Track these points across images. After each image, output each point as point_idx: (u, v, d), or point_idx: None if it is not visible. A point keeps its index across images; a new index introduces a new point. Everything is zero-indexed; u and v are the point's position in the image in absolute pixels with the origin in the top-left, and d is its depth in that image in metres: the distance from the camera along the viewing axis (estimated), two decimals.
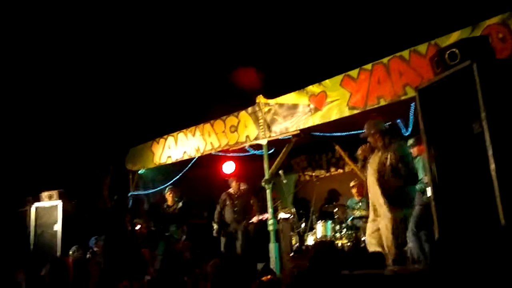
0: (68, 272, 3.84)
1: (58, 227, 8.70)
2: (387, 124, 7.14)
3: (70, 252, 7.20)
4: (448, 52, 3.88)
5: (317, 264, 3.71)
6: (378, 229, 5.68)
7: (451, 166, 3.94)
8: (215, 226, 8.55)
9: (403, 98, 5.76)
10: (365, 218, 7.38)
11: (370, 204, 5.85)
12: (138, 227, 9.42)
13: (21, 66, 9.72)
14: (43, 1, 8.99)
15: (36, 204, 9.09)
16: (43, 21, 9.29)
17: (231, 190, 8.71)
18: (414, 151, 6.63)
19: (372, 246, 5.72)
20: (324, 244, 4.02)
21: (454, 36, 5.20)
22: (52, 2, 9.02)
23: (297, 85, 7.09)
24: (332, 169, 9.55)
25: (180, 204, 8.74)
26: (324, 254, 3.84)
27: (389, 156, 5.57)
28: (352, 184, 8.00)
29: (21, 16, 9.08)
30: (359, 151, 6.00)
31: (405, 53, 5.76)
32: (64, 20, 9.43)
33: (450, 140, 3.90)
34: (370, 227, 5.86)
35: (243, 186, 8.69)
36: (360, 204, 7.78)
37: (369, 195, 5.85)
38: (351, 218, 7.64)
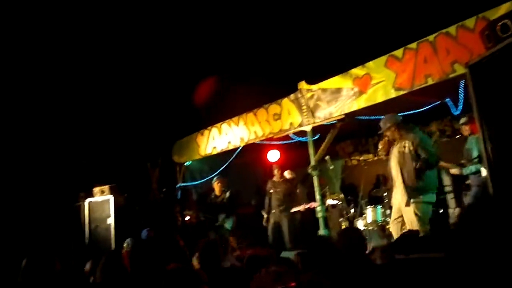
0: (123, 266, 3.93)
1: (111, 221, 8.93)
2: (436, 103, 7.00)
3: (125, 245, 7.36)
4: (499, 24, 3.68)
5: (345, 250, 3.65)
6: (401, 216, 5.85)
7: (507, 145, 3.76)
8: (265, 215, 8.61)
9: (451, 76, 5.52)
10: None
11: (394, 194, 6.03)
12: (187, 218, 9.58)
13: (73, 63, 9.97)
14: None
15: (89, 199, 9.35)
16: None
17: (274, 178, 8.75)
18: (466, 129, 6.43)
19: (394, 233, 5.95)
20: (349, 231, 3.93)
21: (504, 8, 4.92)
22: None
23: (340, 69, 6.95)
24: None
25: (228, 194, 8.80)
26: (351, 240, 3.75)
27: (407, 144, 5.78)
28: None
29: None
30: (380, 147, 6.27)
31: (452, 29, 5.51)
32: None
33: (505, 118, 3.71)
34: (394, 215, 6.03)
35: (289, 175, 8.68)
36: None
37: (394, 188, 6.02)
38: None
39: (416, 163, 5.64)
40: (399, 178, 5.82)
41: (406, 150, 5.77)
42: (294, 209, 8.44)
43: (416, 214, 5.64)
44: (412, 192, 5.67)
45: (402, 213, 5.82)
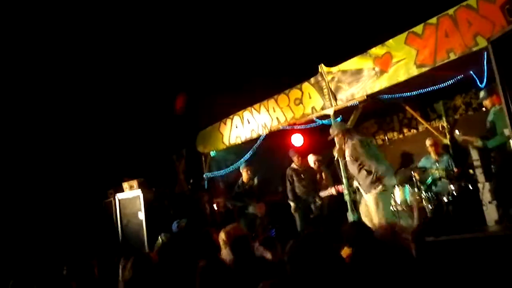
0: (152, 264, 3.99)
1: (142, 216, 9.02)
2: (460, 77, 6.88)
3: (159, 240, 7.44)
4: None
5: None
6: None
7: None
8: (292, 204, 8.57)
9: (474, 49, 5.40)
10: (444, 178, 7.13)
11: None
12: (215, 207, 9.66)
13: (100, 61, 10.12)
14: None
15: (119, 195, 9.47)
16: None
17: (294, 165, 8.67)
18: (486, 103, 6.30)
19: (364, 219, 6.63)
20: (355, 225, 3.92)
21: None
22: None
23: (359, 49, 6.85)
24: (405, 130, 9.24)
25: (256, 181, 8.81)
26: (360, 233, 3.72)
27: (351, 147, 6.67)
28: (428, 142, 7.73)
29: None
30: (335, 153, 7.12)
31: (472, 1, 5.36)
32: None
33: None
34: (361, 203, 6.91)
35: (314, 158, 8.62)
36: (438, 164, 7.48)
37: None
38: (429, 180, 7.37)
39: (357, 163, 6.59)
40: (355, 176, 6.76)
41: (350, 153, 6.68)
42: (323, 194, 8.37)
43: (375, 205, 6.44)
44: (364, 187, 6.55)
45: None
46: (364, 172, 6.54)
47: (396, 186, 7.44)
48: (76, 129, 10.15)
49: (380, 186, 6.41)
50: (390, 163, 7.14)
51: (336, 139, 6.96)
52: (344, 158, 6.92)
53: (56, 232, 8.91)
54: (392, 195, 6.53)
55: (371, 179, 6.46)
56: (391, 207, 6.48)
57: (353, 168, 6.71)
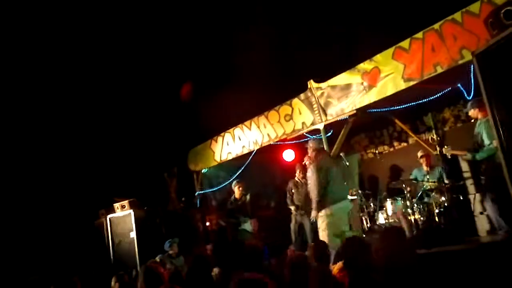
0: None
1: (133, 235, 8.97)
2: (447, 90, 6.95)
3: (157, 260, 7.36)
4: (503, 11, 3.63)
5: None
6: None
7: None
8: (293, 207, 8.60)
9: (460, 62, 5.48)
10: (435, 190, 7.16)
11: None
12: (208, 224, 9.62)
13: (87, 78, 10.10)
14: None
15: (110, 216, 9.40)
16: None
17: (296, 178, 8.73)
18: (473, 115, 6.34)
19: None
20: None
21: None
22: None
23: (347, 65, 6.93)
24: (396, 143, 9.30)
25: (248, 197, 8.80)
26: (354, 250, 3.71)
27: (309, 169, 6.55)
28: (420, 154, 7.79)
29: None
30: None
31: (457, 16, 5.46)
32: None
33: None
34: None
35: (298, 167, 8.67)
36: (429, 176, 7.53)
37: None
38: (420, 192, 7.42)
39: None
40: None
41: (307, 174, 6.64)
42: None
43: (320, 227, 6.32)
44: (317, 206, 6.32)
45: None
46: (309, 196, 6.61)
47: (387, 199, 7.49)
48: (67, 150, 10.09)
49: (323, 211, 6.25)
50: (347, 186, 6.80)
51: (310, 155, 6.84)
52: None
53: (46, 252, 8.80)
54: (345, 217, 6.44)
55: (313, 203, 6.44)
56: (344, 229, 6.38)
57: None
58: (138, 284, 4.25)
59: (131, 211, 9.10)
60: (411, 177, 7.75)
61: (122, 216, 9.22)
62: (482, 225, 6.66)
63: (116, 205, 9.29)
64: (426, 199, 7.29)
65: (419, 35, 5.88)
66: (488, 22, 3.81)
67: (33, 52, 9.53)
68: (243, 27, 9.99)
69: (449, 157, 7.10)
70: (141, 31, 10.06)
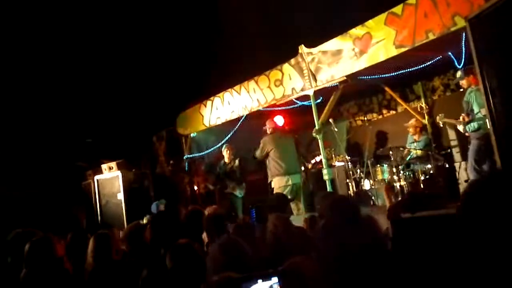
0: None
1: (121, 196, 9.03)
2: (438, 58, 6.92)
3: (145, 221, 7.39)
4: None
5: None
6: None
7: (509, 98, 3.72)
8: None
9: (453, 29, 5.43)
10: (422, 158, 7.23)
11: None
12: (195, 188, 9.65)
13: (75, 43, 9.92)
14: None
15: (98, 177, 9.42)
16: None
17: None
18: (463, 83, 6.36)
19: None
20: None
21: None
22: None
23: (339, 30, 6.84)
24: (384, 111, 9.34)
25: (237, 162, 8.80)
26: None
27: None
28: (407, 124, 7.83)
29: None
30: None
31: None
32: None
33: (507, 71, 3.66)
34: None
35: None
36: (415, 144, 7.59)
37: None
38: (407, 159, 7.49)
39: None
40: None
41: None
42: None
43: None
44: None
45: None
46: None
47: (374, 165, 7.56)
48: (56, 111, 9.96)
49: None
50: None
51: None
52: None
53: (33, 214, 8.79)
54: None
55: None
56: None
57: None
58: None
59: (119, 173, 9.12)
60: (408, 143, 7.82)
61: (110, 177, 9.23)
62: None
63: (104, 166, 9.28)
64: (412, 166, 7.37)
65: (412, 0, 5.81)
66: None
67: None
68: None
69: (441, 125, 7.15)
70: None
